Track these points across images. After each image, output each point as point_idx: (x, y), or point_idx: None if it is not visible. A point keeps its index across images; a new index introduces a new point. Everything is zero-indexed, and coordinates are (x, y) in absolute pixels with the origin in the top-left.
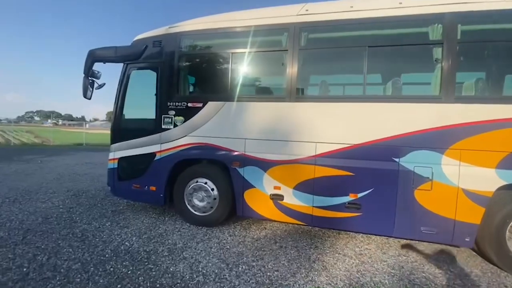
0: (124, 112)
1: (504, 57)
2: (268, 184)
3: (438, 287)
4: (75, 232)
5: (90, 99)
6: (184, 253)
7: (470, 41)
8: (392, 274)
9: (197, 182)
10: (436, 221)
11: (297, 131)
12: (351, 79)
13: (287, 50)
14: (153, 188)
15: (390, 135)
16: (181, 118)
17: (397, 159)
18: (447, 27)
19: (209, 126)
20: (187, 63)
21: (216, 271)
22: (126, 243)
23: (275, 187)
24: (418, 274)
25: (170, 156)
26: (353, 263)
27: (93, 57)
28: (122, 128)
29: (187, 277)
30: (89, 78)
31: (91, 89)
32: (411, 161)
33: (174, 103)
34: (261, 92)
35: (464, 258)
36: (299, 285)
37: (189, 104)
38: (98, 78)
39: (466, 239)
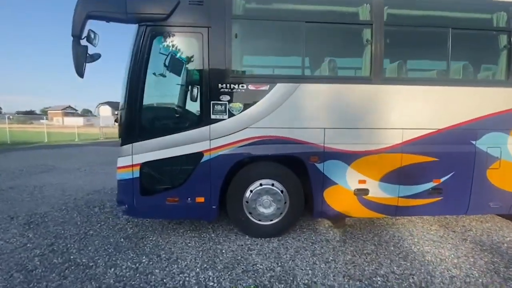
0: (147, 97)
1: None
2: (352, 178)
3: None
4: (110, 286)
5: (83, 76)
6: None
7: None
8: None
9: (261, 185)
10: (502, 195)
11: (383, 117)
12: (434, 63)
13: (371, 24)
14: (200, 199)
15: (468, 118)
16: (238, 105)
17: (474, 142)
18: None
19: (278, 115)
20: (248, 31)
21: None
22: (209, 283)
23: (360, 181)
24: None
25: (225, 156)
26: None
27: (88, 10)
28: (146, 120)
29: None
30: (82, 42)
31: (84, 60)
32: (485, 143)
33: (228, 86)
34: (343, 72)
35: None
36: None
37: (251, 87)
38: (94, 44)
39: None
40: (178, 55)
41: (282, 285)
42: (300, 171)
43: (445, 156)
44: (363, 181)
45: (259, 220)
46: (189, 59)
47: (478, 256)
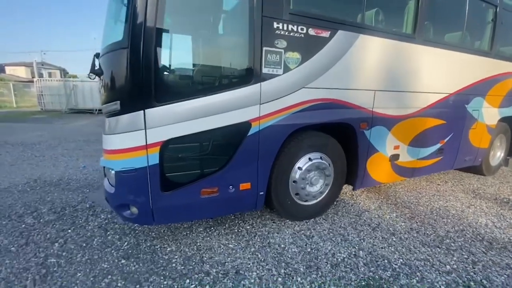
0: (163, 41)
1: None
2: (390, 145)
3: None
4: None
5: None
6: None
7: None
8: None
9: (310, 160)
10: (472, 150)
11: (422, 79)
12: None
13: None
14: (245, 185)
15: (467, 84)
16: (296, 55)
17: (466, 106)
18: None
19: (336, 72)
20: None
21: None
22: None
23: (395, 147)
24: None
25: (278, 126)
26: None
27: None
28: (169, 71)
29: None
30: None
31: None
32: (471, 106)
33: (286, 26)
34: (390, 25)
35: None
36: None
37: (311, 31)
38: None
39: (479, 159)
40: None
41: (391, 272)
42: (342, 140)
43: (450, 119)
44: (397, 147)
45: (306, 201)
46: None
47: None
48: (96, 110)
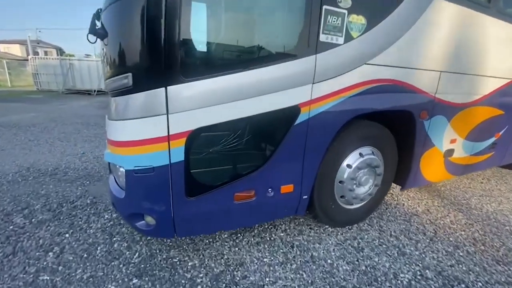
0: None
1: None
2: (447, 138)
3: None
4: None
5: None
6: None
7: None
8: None
9: (361, 155)
10: None
11: (491, 61)
12: None
13: None
14: (287, 188)
15: None
16: (360, 20)
17: None
18: None
19: (402, 45)
20: None
21: None
22: None
23: (452, 141)
24: None
25: (332, 113)
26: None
27: None
28: (197, 42)
29: None
30: None
31: None
32: None
33: None
34: None
35: None
36: None
37: None
38: None
39: None
40: None
41: None
42: (394, 132)
43: (508, 109)
44: (454, 140)
45: (350, 204)
46: None
47: None
48: (94, 91)
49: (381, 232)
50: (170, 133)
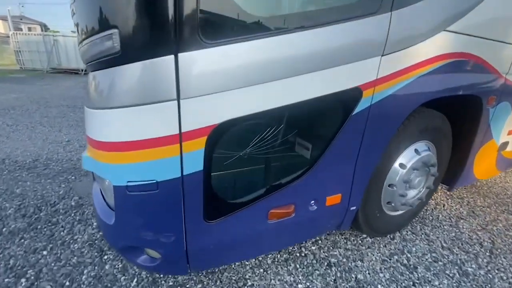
0: None
1: None
2: (506, 129)
3: None
4: None
5: None
6: None
7: None
8: None
9: (416, 152)
10: None
11: None
12: None
13: None
14: (334, 198)
15: None
16: None
17: None
18: None
19: (486, 8)
20: None
21: None
22: None
23: (509, 132)
24: None
25: (401, 97)
26: None
27: None
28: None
29: None
30: None
31: None
32: None
33: None
34: None
35: None
36: None
37: None
38: None
39: None
40: None
41: None
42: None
43: None
44: (511, 132)
45: (396, 211)
46: None
47: None
48: (82, 70)
49: (430, 242)
50: (183, 130)
